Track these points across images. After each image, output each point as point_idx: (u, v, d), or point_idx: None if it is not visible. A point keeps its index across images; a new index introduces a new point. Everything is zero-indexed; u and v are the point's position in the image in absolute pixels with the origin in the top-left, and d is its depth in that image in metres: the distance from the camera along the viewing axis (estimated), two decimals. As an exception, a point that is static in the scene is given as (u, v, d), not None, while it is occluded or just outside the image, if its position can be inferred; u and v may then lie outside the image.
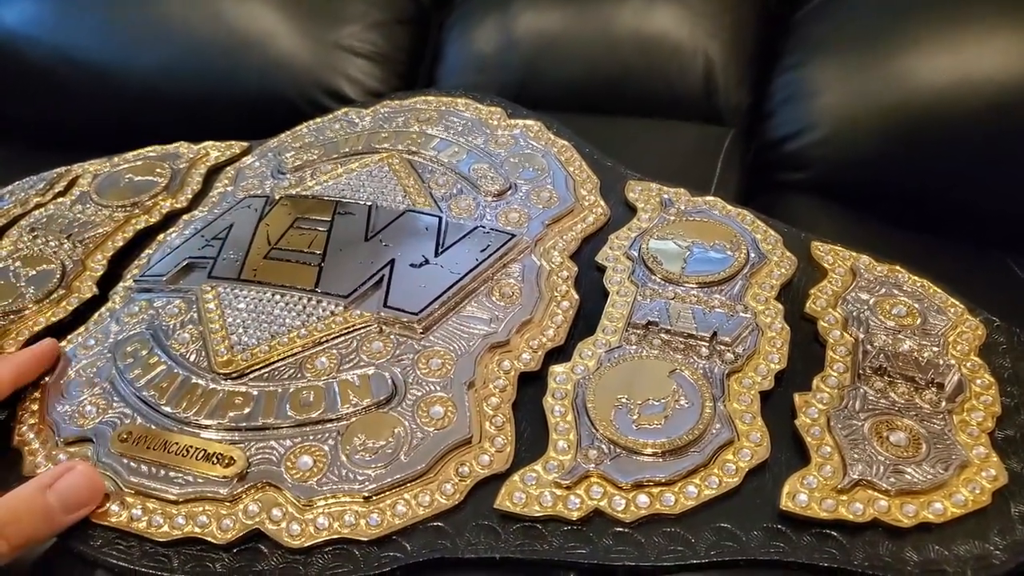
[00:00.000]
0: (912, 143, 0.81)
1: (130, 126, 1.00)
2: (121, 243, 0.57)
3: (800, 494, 0.36)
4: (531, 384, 0.43)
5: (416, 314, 0.43)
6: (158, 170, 0.63)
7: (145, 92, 0.99)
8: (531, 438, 0.40)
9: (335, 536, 0.36)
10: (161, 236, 0.56)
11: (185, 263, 0.50)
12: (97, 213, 0.59)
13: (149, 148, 0.68)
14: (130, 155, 0.66)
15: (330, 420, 0.39)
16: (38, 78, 1.01)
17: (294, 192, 0.55)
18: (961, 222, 0.82)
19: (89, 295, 0.52)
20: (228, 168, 0.63)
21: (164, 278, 0.49)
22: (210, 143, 0.68)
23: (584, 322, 0.47)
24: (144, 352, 0.44)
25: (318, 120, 0.66)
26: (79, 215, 0.59)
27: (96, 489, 0.37)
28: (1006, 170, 0.80)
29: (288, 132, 0.66)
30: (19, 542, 0.35)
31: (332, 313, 0.44)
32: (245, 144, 0.67)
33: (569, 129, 0.61)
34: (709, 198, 0.54)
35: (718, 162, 0.80)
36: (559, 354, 0.45)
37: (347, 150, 0.59)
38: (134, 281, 0.51)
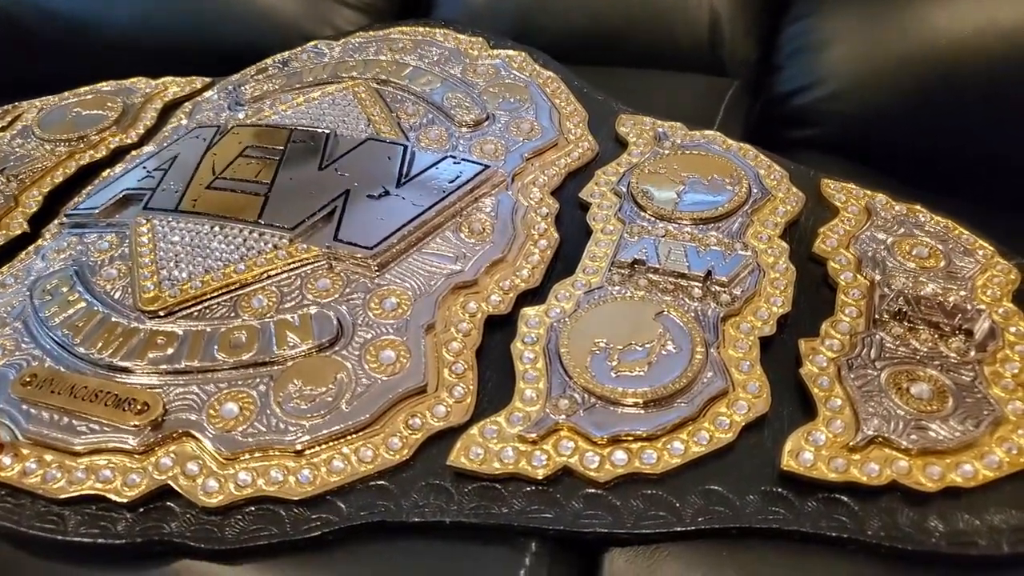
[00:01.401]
0: (929, 97, 0.75)
1: (106, 79, 0.96)
2: (61, 179, 0.52)
3: (805, 452, 0.31)
4: (501, 329, 0.38)
5: (370, 249, 0.38)
6: (109, 104, 0.57)
7: (121, 43, 0.94)
8: (497, 387, 0.35)
9: (258, 494, 0.31)
10: (107, 172, 0.51)
11: (122, 195, 0.45)
12: (38, 148, 0.54)
13: (105, 83, 0.63)
14: (83, 89, 0.61)
15: (263, 363, 0.34)
16: (8, 30, 0.96)
17: (249, 122, 0.50)
18: (980, 181, 0.76)
19: (18, 232, 0.47)
20: (186, 103, 0.58)
21: (97, 211, 0.44)
22: (170, 78, 0.63)
23: (564, 263, 0.41)
24: (65, 289, 0.39)
25: (286, 53, 0.61)
26: (17, 149, 0.54)
27: None
28: (1031, 128, 0.74)
29: (253, 66, 0.61)
30: None
31: (275, 247, 0.39)
32: (208, 80, 0.62)
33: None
34: (708, 132, 0.49)
35: (719, 113, 0.75)
36: (534, 297, 0.39)
37: (311, 80, 0.53)
38: (66, 216, 0.46)
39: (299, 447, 0.32)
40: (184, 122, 0.54)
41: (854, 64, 0.78)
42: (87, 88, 0.61)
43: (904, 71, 0.76)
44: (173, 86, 0.61)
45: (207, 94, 0.57)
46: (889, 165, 0.77)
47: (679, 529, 0.29)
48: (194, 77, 0.62)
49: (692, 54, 0.86)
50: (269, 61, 0.60)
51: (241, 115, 0.52)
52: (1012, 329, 0.36)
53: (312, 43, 0.60)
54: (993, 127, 0.73)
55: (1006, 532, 0.29)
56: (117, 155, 0.54)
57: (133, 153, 0.53)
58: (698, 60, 0.86)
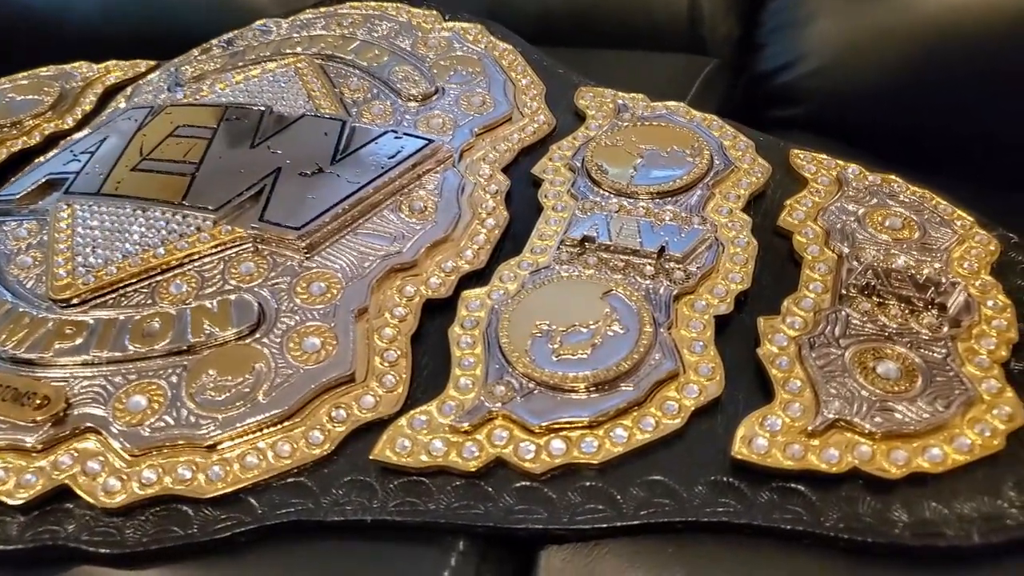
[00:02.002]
0: (915, 73, 0.72)
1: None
2: (-11, 166, 0.50)
3: (758, 438, 0.28)
4: (441, 314, 0.35)
5: (297, 229, 0.35)
6: (46, 89, 0.55)
7: (85, 36, 0.91)
8: (433, 376, 0.32)
9: (164, 493, 0.28)
10: (41, 159, 0.49)
11: (44, 180, 0.42)
12: (-34, 134, 0.52)
13: (45, 67, 0.60)
14: (21, 74, 0.59)
15: (176, 353, 0.32)
16: (-27, 23, 0.94)
17: (185, 102, 0.48)
18: (970, 159, 0.73)
19: (-63, 221, 0.45)
20: (128, 87, 0.55)
21: (18, 197, 0.41)
22: (113, 62, 0.60)
23: (513, 242, 0.39)
24: (-24, 279, 0.37)
25: (233, 32, 0.58)
26: (-57, 136, 0.52)
27: None
28: (1021, 101, 0.71)
29: (199, 47, 0.58)
30: None
31: (198, 229, 0.36)
32: (153, 63, 0.59)
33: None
34: (671, 103, 0.46)
35: (690, 91, 0.72)
36: (479, 279, 0.37)
37: (252, 57, 0.51)
38: (-12, 204, 0.43)
39: (211, 442, 0.29)
40: (123, 105, 0.51)
41: (838, 40, 0.75)
42: (25, 73, 0.58)
43: (889, 46, 0.73)
44: (116, 70, 0.58)
45: (149, 76, 0.55)
46: (876, 143, 0.74)
47: (619, 524, 0.27)
48: (139, 60, 0.60)
49: (672, 33, 0.83)
50: (215, 41, 0.57)
51: (180, 96, 0.49)
52: (990, 302, 0.34)
53: (260, 21, 0.57)
54: (982, 103, 0.70)
55: (977, 521, 0.26)
56: (52, 141, 0.51)
57: (70, 139, 0.50)
58: (678, 39, 0.83)
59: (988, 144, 0.71)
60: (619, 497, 0.27)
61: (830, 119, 0.75)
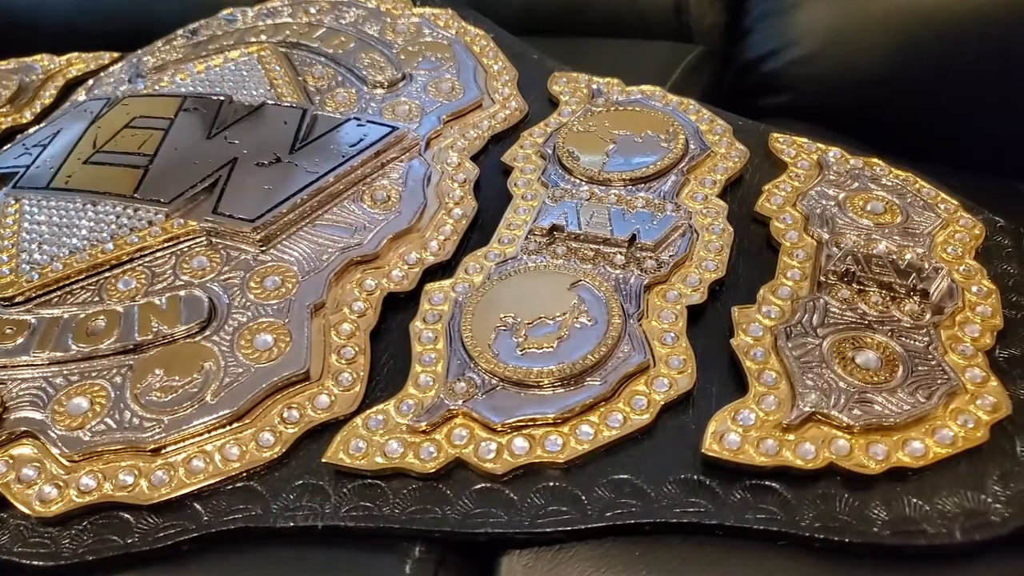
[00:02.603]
0: (904, 61, 0.70)
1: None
2: (-57, 162, 0.48)
3: (731, 434, 0.27)
4: (405, 308, 0.34)
5: (251, 221, 0.34)
6: (3, 82, 0.53)
7: (60, 32, 0.90)
8: (394, 373, 0.31)
9: (103, 500, 0.27)
10: (-3, 154, 0.47)
11: (-6, 176, 0.41)
12: (-77, 129, 0.51)
13: (5, 60, 0.58)
14: (-21, 68, 0.57)
15: (122, 352, 0.30)
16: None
17: (143, 93, 0.46)
18: (958, 146, 0.71)
19: None
20: (89, 79, 0.54)
21: (-35, 193, 0.40)
22: (75, 54, 0.58)
23: (481, 233, 0.37)
24: (-84, 279, 0.35)
25: (198, 23, 0.57)
26: None
27: None
28: (1016, 88, 0.70)
29: (163, 38, 0.57)
30: None
31: (150, 223, 0.35)
32: (116, 55, 0.58)
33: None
34: (647, 87, 0.44)
35: (672, 78, 0.70)
36: (445, 271, 0.35)
37: (215, 47, 0.49)
38: (-64, 201, 0.42)
39: (155, 445, 0.28)
40: (82, 98, 0.50)
41: (825, 27, 0.74)
42: (-17, 67, 0.57)
43: (877, 33, 0.72)
44: (78, 63, 0.56)
45: (111, 68, 0.53)
46: (863, 131, 0.72)
47: (584, 527, 0.25)
48: (102, 53, 0.58)
49: (657, 21, 0.82)
50: (179, 31, 0.55)
51: (141, 87, 0.48)
52: (974, 288, 0.32)
53: (227, 10, 0.56)
54: (969, 89, 0.68)
55: (959, 517, 0.25)
56: (10, 136, 0.50)
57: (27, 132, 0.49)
58: (664, 27, 0.82)
59: (976, 131, 0.70)
60: (584, 498, 0.26)
61: (817, 106, 0.74)
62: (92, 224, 0.35)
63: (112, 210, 0.36)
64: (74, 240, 0.34)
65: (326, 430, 0.29)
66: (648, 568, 0.25)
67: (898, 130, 0.71)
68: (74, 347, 0.30)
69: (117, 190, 0.36)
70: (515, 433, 0.28)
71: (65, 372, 0.30)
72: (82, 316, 0.32)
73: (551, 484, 0.26)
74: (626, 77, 0.48)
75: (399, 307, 0.34)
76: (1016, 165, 0.68)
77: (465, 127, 0.42)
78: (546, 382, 0.28)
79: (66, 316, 0.32)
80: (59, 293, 0.33)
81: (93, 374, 0.30)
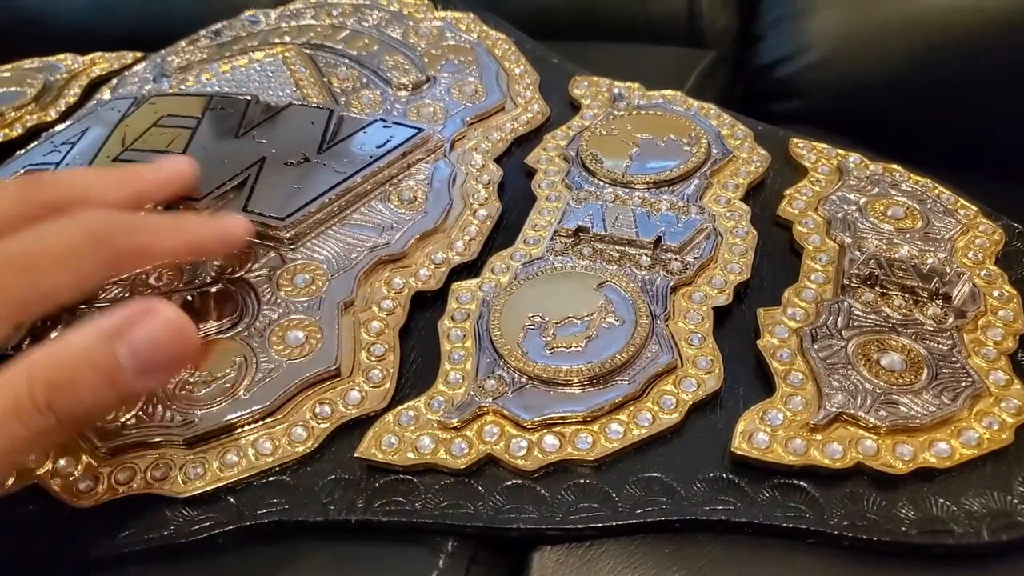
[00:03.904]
0: (917, 66, 0.71)
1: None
2: (-31, 160, 0.49)
3: (759, 433, 0.27)
4: (432, 306, 0.34)
5: (282, 220, 0.34)
6: (29, 81, 0.54)
7: (78, 33, 0.90)
8: (423, 370, 0.31)
9: (140, 492, 0.27)
10: (21, 151, 0.48)
11: (23, 171, 0.41)
12: (-51, 128, 0.51)
13: (29, 59, 0.59)
14: (4, 67, 0.58)
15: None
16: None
17: (169, 92, 0.46)
18: (978, 154, 0.72)
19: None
20: (113, 79, 0.54)
21: (-4, 190, 0.40)
22: (98, 54, 0.59)
23: (505, 234, 0.37)
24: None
25: (221, 23, 0.57)
26: (-78, 129, 0.51)
27: (187, 341, 0.26)
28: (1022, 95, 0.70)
29: (186, 38, 0.57)
30: (73, 415, 0.23)
31: (181, 221, 0.36)
32: (139, 55, 0.58)
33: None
34: (668, 92, 0.45)
35: (687, 84, 0.71)
36: (470, 271, 0.36)
37: (240, 47, 0.50)
38: (-34, 197, 0.42)
39: (188, 438, 0.28)
40: (107, 97, 0.50)
41: (838, 32, 0.74)
42: (8, 65, 0.57)
43: (890, 38, 0.72)
44: (102, 62, 0.57)
45: (135, 68, 0.54)
46: (877, 136, 0.72)
47: (615, 523, 0.26)
48: (125, 52, 0.59)
49: (670, 26, 0.83)
50: (202, 32, 0.56)
51: (166, 86, 0.48)
52: (996, 293, 0.33)
53: (249, 12, 0.56)
54: (983, 95, 0.69)
55: (986, 518, 0.25)
56: (35, 134, 0.50)
57: (51, 130, 0.49)
58: (677, 32, 0.82)
59: (988, 136, 0.70)
60: (614, 495, 0.26)
61: (830, 112, 0.74)
62: (123, 221, 0.36)
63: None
64: (105, 236, 0.35)
65: (357, 426, 0.29)
66: (678, 565, 0.25)
67: (910, 135, 0.72)
68: (108, 341, 0.31)
69: (147, 188, 0.37)
70: (545, 431, 0.28)
71: (99, 366, 0.30)
72: (115, 311, 0.32)
73: (582, 481, 0.27)
74: (641, 82, 0.49)
75: (426, 306, 0.34)
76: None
77: (488, 129, 0.43)
78: (575, 380, 0.29)
79: (98, 312, 0.32)
80: (91, 289, 0.33)
81: (127, 368, 0.30)
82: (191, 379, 0.29)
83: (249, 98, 0.42)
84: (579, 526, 0.26)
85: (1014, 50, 0.67)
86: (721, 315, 0.32)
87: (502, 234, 0.38)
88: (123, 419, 0.28)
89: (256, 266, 0.34)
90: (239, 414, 0.28)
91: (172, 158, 0.34)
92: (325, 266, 0.34)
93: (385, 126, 0.40)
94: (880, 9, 0.73)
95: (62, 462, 0.28)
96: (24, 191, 0.27)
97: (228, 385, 0.29)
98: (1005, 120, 0.69)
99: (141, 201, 0.32)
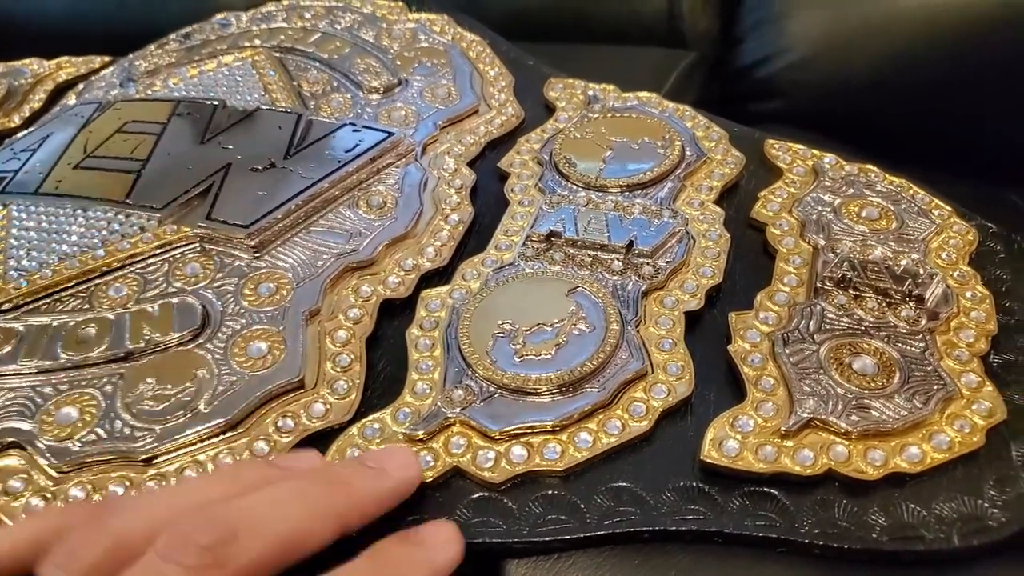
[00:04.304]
0: (898, 66, 0.71)
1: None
2: (-71, 167, 0.48)
3: (729, 440, 0.27)
4: (401, 314, 0.33)
5: (246, 227, 0.34)
6: (-8, 86, 0.53)
7: (56, 34, 0.89)
8: (390, 381, 0.31)
9: (94, 511, 0.27)
10: (-16, 159, 0.47)
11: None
12: (-93, 135, 0.50)
13: (-6, 64, 0.58)
14: (-32, 72, 0.57)
15: (112, 361, 0.30)
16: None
17: (136, 97, 0.46)
18: (958, 155, 0.72)
19: None
20: (80, 83, 0.53)
21: (-49, 199, 0.39)
22: (65, 58, 0.58)
23: (478, 239, 0.37)
24: (-99, 287, 0.35)
25: (192, 26, 0.56)
26: None
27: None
28: (1009, 95, 0.70)
29: (156, 42, 0.56)
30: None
31: (142, 229, 0.34)
32: (108, 58, 0.57)
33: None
34: (643, 94, 0.45)
35: (666, 85, 0.70)
36: (441, 278, 0.35)
37: (209, 51, 0.49)
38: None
39: (146, 455, 0.27)
40: (71, 102, 0.49)
41: (818, 33, 0.74)
42: (-27, 70, 0.56)
43: (870, 39, 0.72)
44: (68, 66, 0.56)
45: (102, 72, 0.53)
46: (858, 137, 0.73)
47: (583, 535, 0.25)
48: (93, 56, 0.58)
49: (651, 28, 0.82)
50: (172, 35, 0.55)
51: (133, 91, 0.47)
52: (968, 294, 0.32)
53: (221, 15, 0.56)
54: (964, 95, 0.69)
55: (956, 523, 0.25)
56: (-1, 141, 0.49)
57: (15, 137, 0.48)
58: (658, 34, 0.82)
59: (971, 136, 0.71)
60: (583, 506, 0.26)
61: (810, 112, 0.74)
62: (82, 230, 0.35)
63: (103, 216, 0.35)
64: (64, 246, 0.34)
65: (321, 439, 0.29)
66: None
67: (891, 135, 0.72)
68: (63, 355, 0.30)
69: (108, 195, 0.36)
70: (513, 441, 0.27)
71: (54, 381, 0.29)
72: (72, 324, 0.31)
73: (550, 492, 0.26)
74: (620, 83, 0.48)
75: (395, 314, 0.33)
76: (1007, 173, 0.69)
77: (461, 133, 0.42)
78: (544, 389, 0.28)
79: (55, 324, 0.31)
80: (48, 300, 0.32)
81: (83, 383, 0.29)
82: (149, 393, 0.29)
83: (216, 103, 0.41)
84: (547, 539, 0.25)
85: (995, 49, 0.68)
86: (693, 320, 0.32)
87: (474, 239, 0.37)
88: (78, 436, 0.28)
89: (220, 276, 0.33)
90: (199, 429, 0.28)
91: (397, 456, 0.26)
92: (290, 274, 0.33)
93: (354, 130, 0.39)
94: (860, 10, 0.74)
95: (12, 482, 0.27)
96: (202, 571, 0.20)
97: (188, 399, 0.28)
98: (986, 120, 0.69)
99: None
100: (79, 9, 0.88)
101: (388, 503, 0.25)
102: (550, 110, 0.45)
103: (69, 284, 0.33)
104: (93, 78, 0.52)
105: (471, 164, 0.41)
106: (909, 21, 0.71)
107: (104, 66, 0.55)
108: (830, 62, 0.74)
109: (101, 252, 0.34)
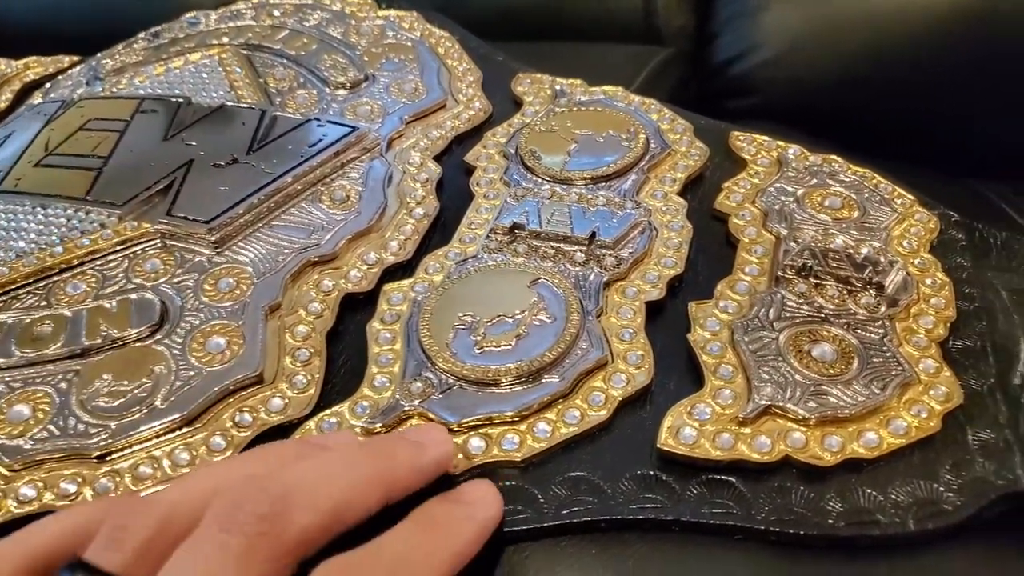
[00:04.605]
0: (872, 60, 0.71)
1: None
2: None
3: (686, 428, 0.27)
4: (363, 309, 0.33)
5: (206, 223, 0.33)
6: (-42, 86, 0.53)
7: (31, 34, 0.88)
8: (351, 375, 0.30)
9: (43, 510, 0.26)
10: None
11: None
12: None
13: (-42, 65, 0.57)
14: (-68, 74, 0.56)
15: (68, 357, 0.29)
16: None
17: (101, 95, 0.45)
18: (932, 148, 0.72)
19: None
20: (47, 83, 0.53)
21: (-90, 199, 0.39)
22: (33, 58, 0.57)
23: (443, 233, 0.37)
24: None
25: (161, 25, 0.56)
26: None
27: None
28: (984, 91, 0.71)
29: (124, 41, 0.56)
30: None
31: (102, 226, 0.34)
32: (76, 58, 0.57)
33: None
34: (609, 88, 0.45)
35: (637, 79, 0.70)
36: (405, 272, 0.35)
37: (176, 49, 0.49)
38: None
39: (100, 452, 0.27)
40: (37, 101, 0.49)
41: (792, 28, 0.74)
42: (-64, 72, 0.56)
43: (844, 33, 0.72)
44: (36, 66, 0.55)
45: (70, 71, 0.52)
46: (834, 131, 0.73)
47: (537, 526, 0.25)
48: (61, 56, 0.57)
49: (627, 25, 0.83)
50: (141, 34, 0.55)
51: (98, 89, 0.47)
52: (928, 281, 0.33)
53: (190, 13, 0.55)
54: (937, 89, 0.69)
55: (912, 507, 0.25)
56: (-37, 141, 0.49)
57: (-19, 138, 0.48)
58: (634, 30, 0.82)
59: (946, 131, 0.71)
60: (540, 497, 0.26)
61: (786, 108, 0.74)
62: (41, 227, 0.34)
63: (63, 213, 0.35)
64: (21, 243, 0.33)
65: (279, 433, 0.28)
66: (604, 566, 0.24)
67: (867, 130, 0.72)
68: (17, 353, 0.29)
69: (69, 193, 0.35)
70: (472, 432, 0.27)
71: (7, 379, 0.29)
72: (27, 321, 0.31)
73: (508, 483, 0.26)
74: (593, 79, 0.48)
75: (358, 308, 0.33)
76: (980, 165, 0.69)
77: (428, 127, 0.42)
78: (504, 380, 0.28)
79: (10, 321, 0.31)
80: (4, 298, 0.32)
81: (37, 380, 0.29)
82: (105, 389, 0.28)
83: (181, 100, 0.41)
84: (504, 530, 0.25)
85: (967, 44, 0.68)
86: (656, 310, 0.32)
87: (439, 233, 0.37)
88: (30, 434, 0.27)
89: (180, 271, 0.33)
90: (155, 424, 0.27)
91: (431, 436, 0.25)
92: (251, 269, 0.33)
93: (319, 125, 0.39)
94: (834, 5, 0.74)
95: (-36, 480, 0.27)
96: (259, 541, 0.19)
97: (145, 395, 0.28)
98: (961, 114, 0.70)
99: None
100: (48, 9, 0.87)
101: (428, 475, 0.24)
102: (518, 105, 0.45)
103: (26, 281, 0.32)
104: (60, 77, 0.52)
105: (438, 158, 0.41)
106: (884, 15, 0.72)
107: (72, 65, 0.55)
108: (806, 57, 0.74)
109: (60, 249, 0.33)
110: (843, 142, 0.71)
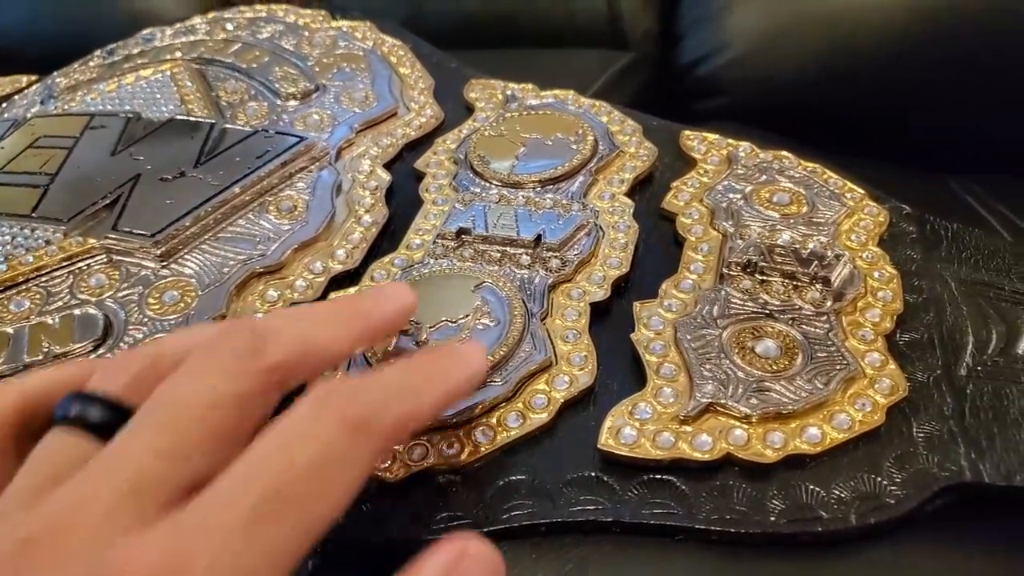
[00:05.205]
0: (836, 59, 0.72)
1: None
2: None
3: (627, 428, 0.27)
4: (312, 319, 0.34)
5: (151, 236, 0.33)
6: (-87, 108, 0.52)
7: (6, 51, 0.88)
8: (297, 385, 0.31)
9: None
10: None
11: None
12: None
13: (-84, 87, 0.57)
14: None
15: (9, 375, 0.29)
16: None
17: (53, 113, 0.45)
18: (897, 143, 0.73)
19: None
20: (3, 103, 0.53)
21: None
22: (-10, 78, 0.58)
23: (391, 240, 0.37)
24: None
25: (117, 43, 0.56)
26: None
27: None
28: (949, 88, 0.71)
29: (81, 59, 0.56)
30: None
31: (47, 242, 0.34)
32: (35, 77, 0.56)
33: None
34: (560, 91, 0.45)
35: (595, 85, 0.71)
36: (352, 280, 0.35)
37: (129, 66, 0.48)
38: None
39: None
40: (-8, 121, 0.48)
41: (756, 28, 0.75)
42: None
43: (807, 32, 0.73)
44: (-9, 86, 0.55)
45: (26, 91, 0.52)
46: (800, 130, 0.74)
47: (479, 530, 0.25)
48: (20, 76, 0.57)
49: (593, 30, 0.83)
50: (96, 52, 0.54)
51: (52, 108, 0.47)
52: (876, 274, 0.33)
53: (146, 30, 0.55)
54: (902, 87, 0.70)
55: (855, 502, 0.25)
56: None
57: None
58: (599, 36, 0.83)
59: (909, 127, 0.72)
60: (480, 502, 0.26)
61: (753, 108, 0.75)
62: (-15, 246, 0.34)
63: (8, 231, 0.34)
64: (-36, 263, 0.33)
65: (222, 446, 0.28)
66: (543, 571, 0.24)
67: (833, 128, 0.73)
68: (-43, 373, 0.29)
69: (14, 210, 0.35)
70: (412, 439, 0.27)
71: (-55, 400, 0.29)
72: (-33, 341, 0.31)
73: (448, 489, 0.26)
74: (553, 85, 0.48)
75: (305, 318, 0.33)
76: (949, 160, 0.70)
77: (379, 135, 0.42)
78: (445, 386, 0.28)
79: (-50, 342, 0.31)
80: (-54, 318, 0.32)
81: (-25, 400, 0.29)
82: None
83: (131, 116, 0.41)
84: (441, 536, 0.25)
85: (932, 43, 0.69)
86: (602, 311, 0.32)
87: (388, 240, 0.37)
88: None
89: (125, 286, 0.32)
90: (91, 441, 0.27)
91: (391, 288, 0.25)
92: (195, 281, 0.32)
93: (266, 136, 0.39)
94: (798, 5, 0.75)
95: None
96: (240, 361, 0.20)
97: (82, 412, 0.28)
98: (924, 111, 0.71)
99: (362, 347, 0.26)
100: (10, 31, 0.87)
101: (396, 314, 0.25)
102: (471, 111, 0.45)
103: (-32, 301, 0.32)
104: (15, 97, 0.51)
105: (388, 166, 0.41)
106: (847, 13, 0.72)
107: (30, 85, 0.54)
108: (772, 57, 0.75)
109: (3, 267, 0.33)
110: (813, 140, 0.71)
